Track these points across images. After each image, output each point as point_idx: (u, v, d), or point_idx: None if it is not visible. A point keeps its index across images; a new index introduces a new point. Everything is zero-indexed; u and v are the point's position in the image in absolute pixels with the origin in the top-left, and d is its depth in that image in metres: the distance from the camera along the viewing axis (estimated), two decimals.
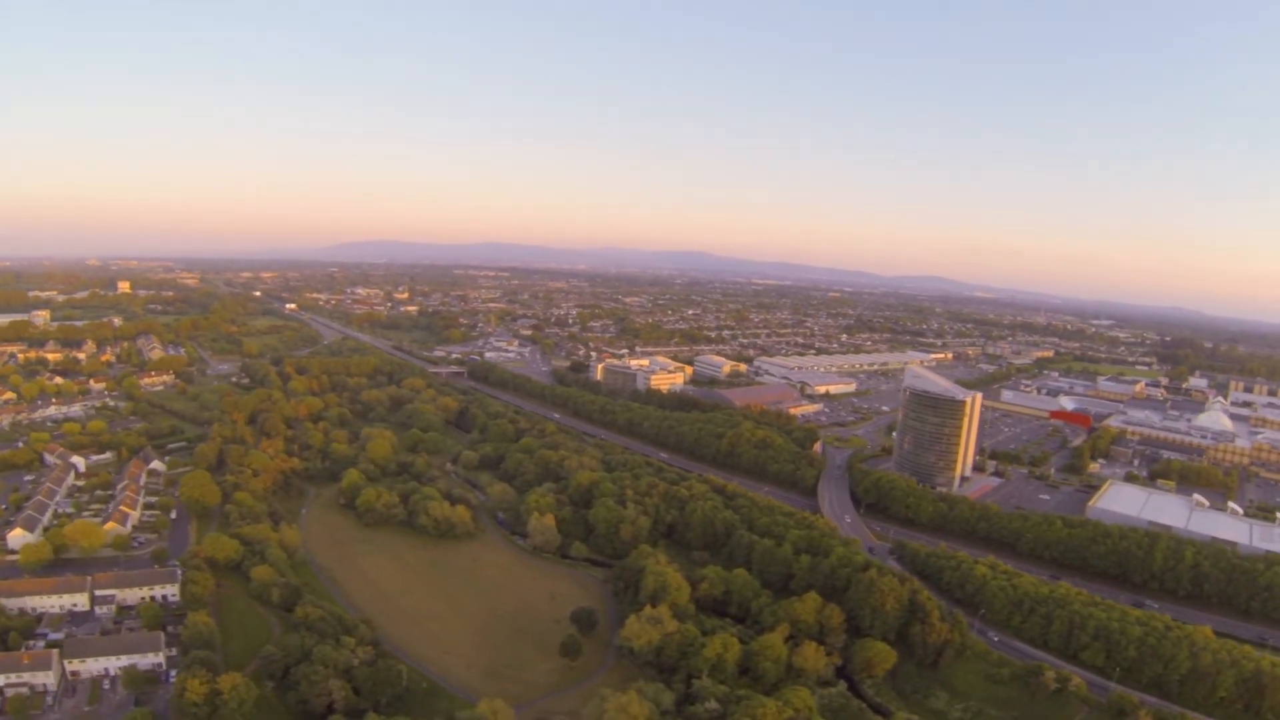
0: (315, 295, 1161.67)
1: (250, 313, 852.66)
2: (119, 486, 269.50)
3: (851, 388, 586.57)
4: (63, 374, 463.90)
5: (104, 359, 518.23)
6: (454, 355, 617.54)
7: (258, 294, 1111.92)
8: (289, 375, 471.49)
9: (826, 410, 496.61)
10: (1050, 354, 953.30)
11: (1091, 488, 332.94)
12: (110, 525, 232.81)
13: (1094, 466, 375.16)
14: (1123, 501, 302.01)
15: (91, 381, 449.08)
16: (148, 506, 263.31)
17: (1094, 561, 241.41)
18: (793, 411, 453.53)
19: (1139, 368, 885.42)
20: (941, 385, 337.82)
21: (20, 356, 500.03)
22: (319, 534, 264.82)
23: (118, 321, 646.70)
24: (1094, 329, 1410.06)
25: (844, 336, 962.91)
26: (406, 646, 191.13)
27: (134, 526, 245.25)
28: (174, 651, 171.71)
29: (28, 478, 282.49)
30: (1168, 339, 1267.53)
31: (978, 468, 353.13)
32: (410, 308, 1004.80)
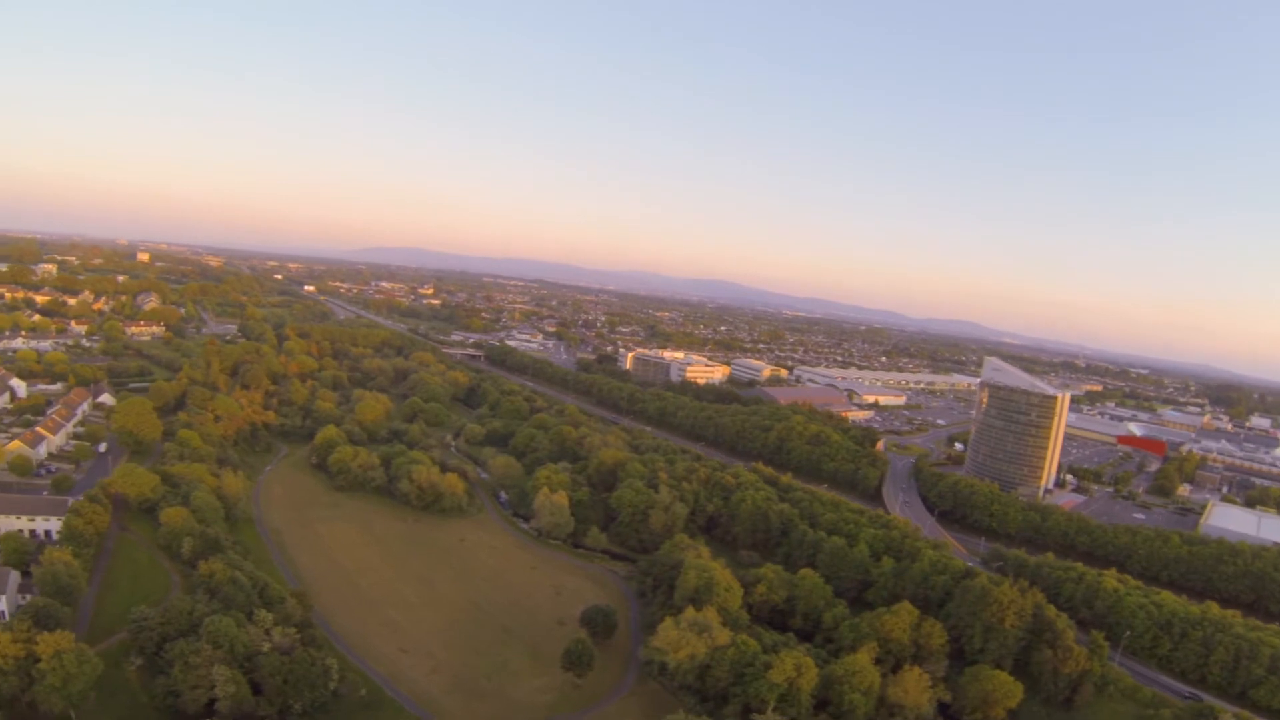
0: (337, 284, 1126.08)
1: (266, 290, 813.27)
2: (50, 411, 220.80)
3: (901, 400, 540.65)
4: (47, 314, 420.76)
5: (96, 306, 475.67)
6: (471, 340, 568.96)
7: (279, 277, 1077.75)
8: (287, 338, 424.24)
9: (878, 419, 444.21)
10: (1099, 388, 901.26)
11: (1187, 510, 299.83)
12: (14, 445, 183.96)
13: (1183, 490, 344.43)
14: (1235, 522, 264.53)
15: (74, 323, 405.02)
16: (77, 437, 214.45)
17: (1220, 584, 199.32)
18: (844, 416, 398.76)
19: (1190, 408, 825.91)
20: (1027, 380, 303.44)
21: (7, 296, 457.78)
22: (278, 493, 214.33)
23: (122, 279, 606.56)
24: (1135, 373, 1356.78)
25: (883, 358, 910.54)
26: (352, 637, 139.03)
27: (49, 454, 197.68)
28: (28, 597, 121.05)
29: None
30: (1214, 385, 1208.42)
31: (1057, 484, 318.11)
32: (433, 301, 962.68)
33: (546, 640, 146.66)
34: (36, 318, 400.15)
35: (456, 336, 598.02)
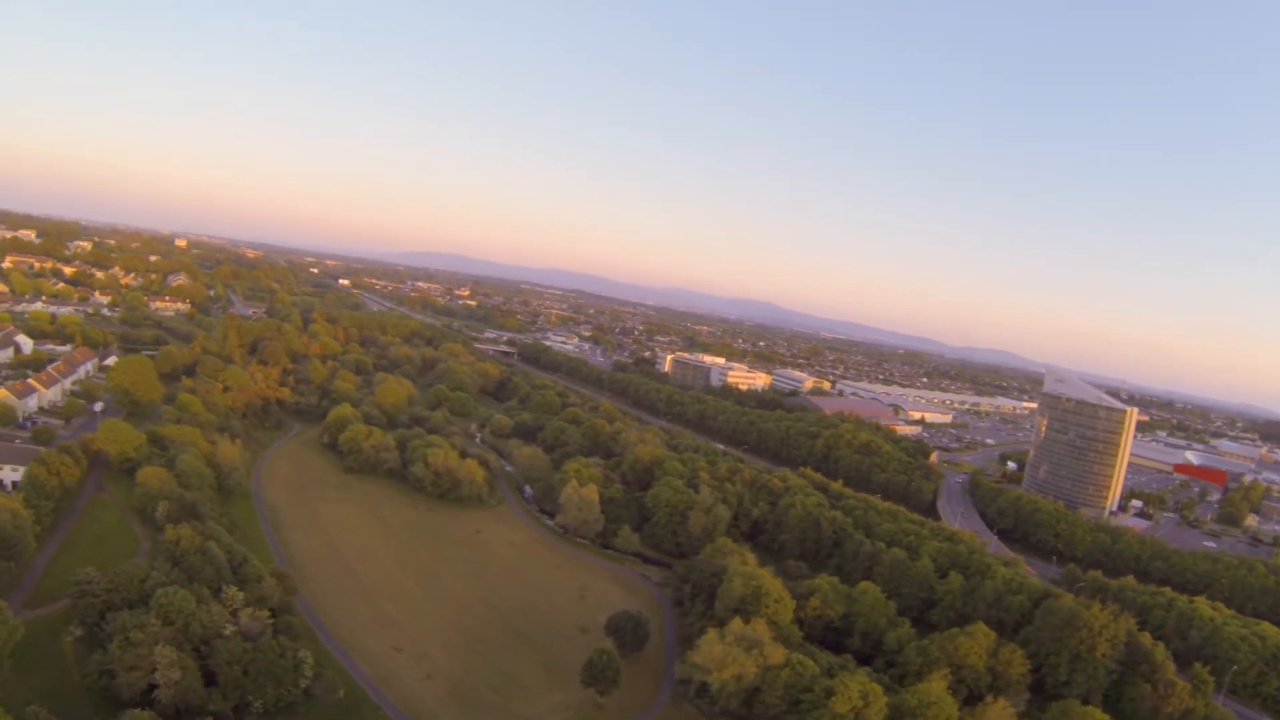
0: (373, 281, 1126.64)
1: (299, 280, 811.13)
2: (50, 366, 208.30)
3: (948, 418, 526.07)
4: (73, 284, 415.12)
5: (124, 281, 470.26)
6: (505, 338, 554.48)
7: (314, 270, 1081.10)
8: (313, 321, 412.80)
9: (925, 436, 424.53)
10: (1146, 418, 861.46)
11: (1258, 540, 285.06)
12: (1, 394, 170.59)
13: (1251, 520, 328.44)
14: None
15: (98, 294, 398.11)
16: (74, 394, 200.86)
17: None
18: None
19: (1244, 441, 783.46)
20: (1093, 393, 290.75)
21: (36, 265, 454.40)
22: (282, 469, 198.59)
23: (154, 258, 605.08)
24: (1179, 406, 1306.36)
25: (924, 379, 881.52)
26: (338, 629, 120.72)
27: (40, 408, 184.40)
28: None
29: None
30: (1261, 422, 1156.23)
31: (1119, 507, 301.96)
32: (469, 302, 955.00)
33: (565, 649, 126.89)
34: (61, 285, 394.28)
35: (490, 334, 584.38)
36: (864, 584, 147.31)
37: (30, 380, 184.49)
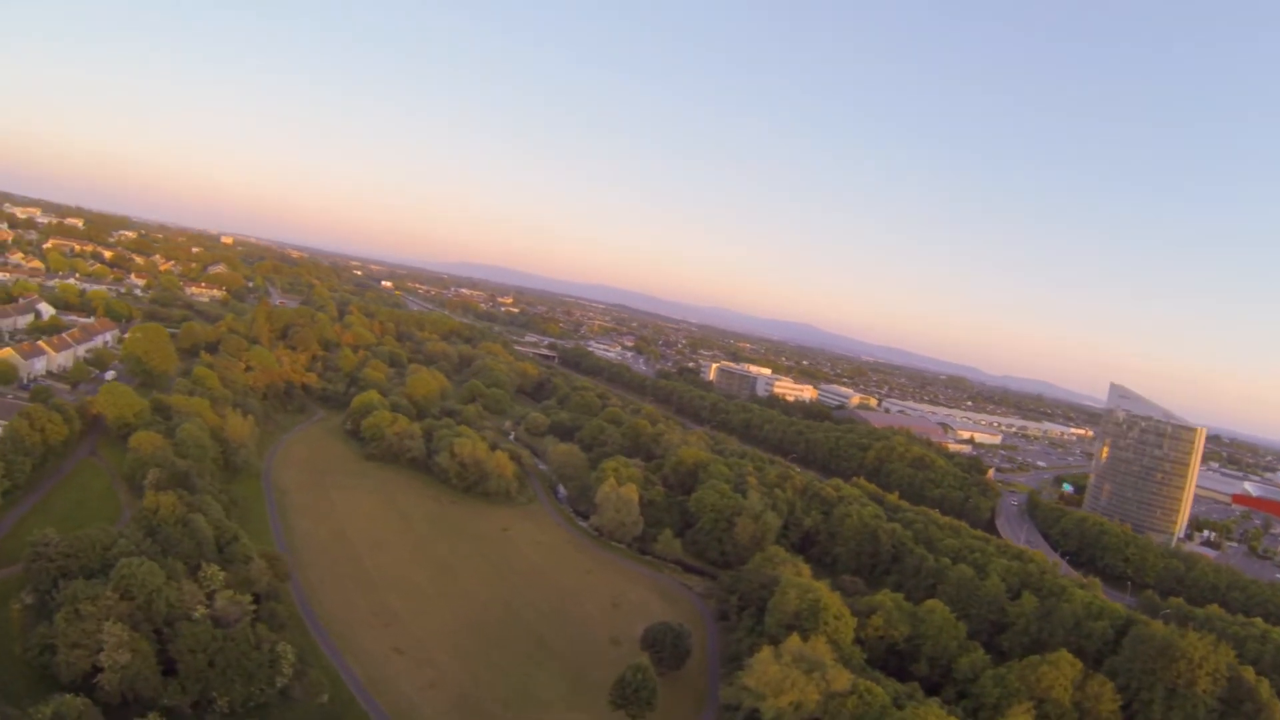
0: (416, 285, 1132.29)
1: (341, 279, 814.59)
2: (65, 333, 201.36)
3: (997, 439, 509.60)
4: (111, 266, 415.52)
5: (163, 267, 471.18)
6: (546, 343, 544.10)
7: (358, 273, 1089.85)
8: (349, 313, 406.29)
9: (976, 455, 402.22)
10: None
11: None
12: (4, 352, 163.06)
13: None
14: None
15: (134, 276, 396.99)
16: (88, 362, 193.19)
17: None
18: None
19: None
20: (1160, 409, 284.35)
21: (76, 248, 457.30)
22: (298, 453, 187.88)
23: (196, 250, 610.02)
24: (1227, 439, 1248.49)
25: (968, 402, 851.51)
26: (334, 623, 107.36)
27: (48, 371, 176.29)
28: None
29: None
30: None
31: (1185, 534, 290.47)
32: (512, 309, 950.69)
33: (594, 662, 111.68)
34: (98, 266, 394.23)
35: (531, 338, 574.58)
36: (931, 602, 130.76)
37: (40, 342, 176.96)
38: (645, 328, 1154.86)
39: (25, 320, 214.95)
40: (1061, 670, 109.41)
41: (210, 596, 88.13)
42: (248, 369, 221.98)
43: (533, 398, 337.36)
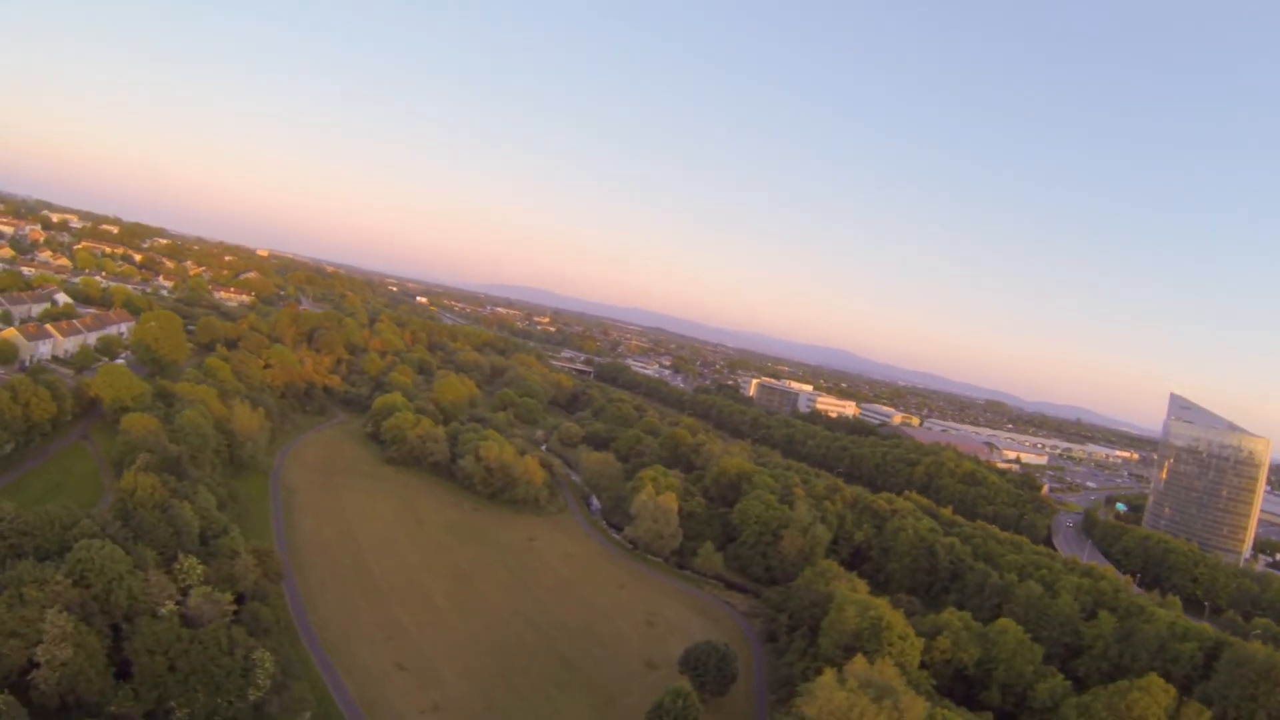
0: (451, 302, 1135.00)
1: (376, 293, 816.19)
2: (78, 320, 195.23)
3: (1043, 460, 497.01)
4: (140, 268, 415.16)
5: (193, 271, 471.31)
6: (582, 358, 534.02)
7: (393, 288, 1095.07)
8: (379, 319, 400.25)
9: (1028, 472, 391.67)
10: None
11: None
12: (8, 333, 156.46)
13: None
14: None
15: (162, 278, 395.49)
16: (97, 350, 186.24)
17: None
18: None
19: None
20: (1225, 422, 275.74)
21: (107, 250, 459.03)
22: (313, 453, 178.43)
23: (229, 258, 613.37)
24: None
25: (1009, 425, 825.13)
26: (330, 633, 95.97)
27: (54, 355, 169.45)
28: None
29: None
30: None
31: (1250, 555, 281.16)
32: (548, 328, 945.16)
33: (626, 687, 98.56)
34: (126, 267, 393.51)
35: (567, 354, 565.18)
36: (1002, 622, 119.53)
37: (47, 325, 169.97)
38: (682, 349, 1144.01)
39: (40, 309, 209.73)
40: (1154, 697, 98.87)
41: (184, 592, 77.01)
42: (266, 366, 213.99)
43: (566, 410, 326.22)
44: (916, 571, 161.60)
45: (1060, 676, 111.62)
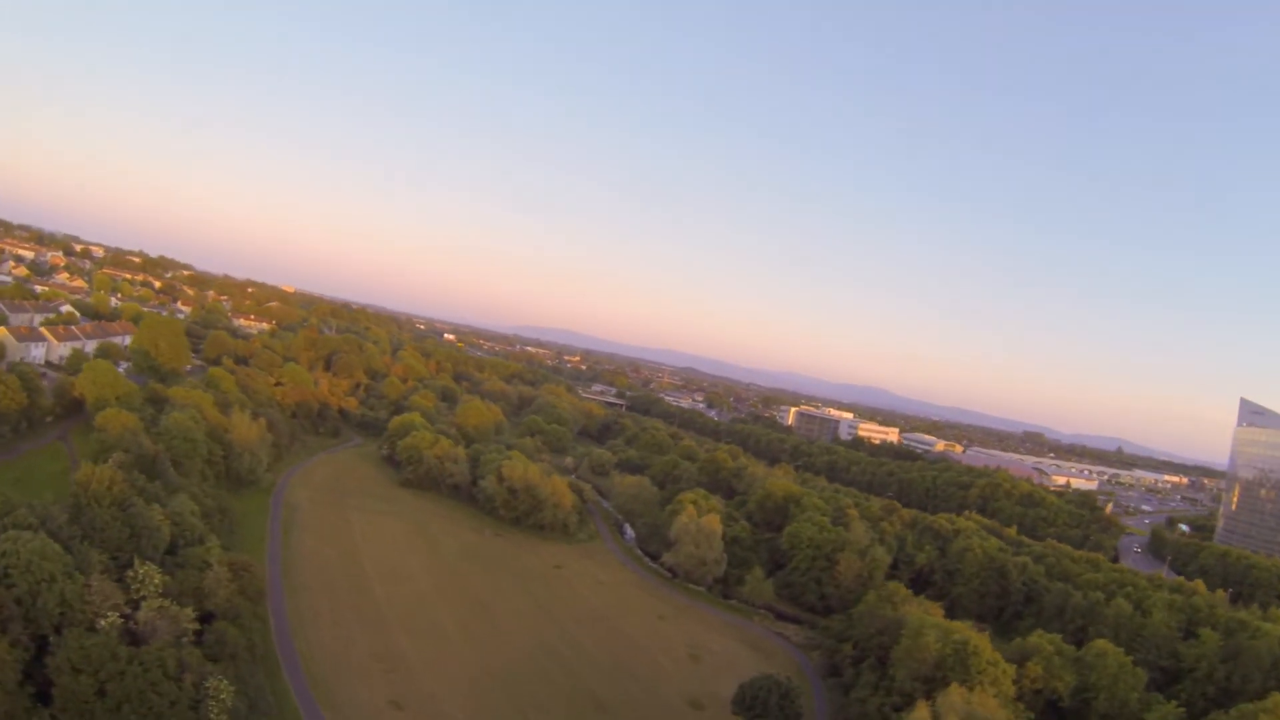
0: (481, 341, 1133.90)
1: (402, 328, 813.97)
2: (76, 327, 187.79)
3: (1093, 485, 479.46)
4: (158, 293, 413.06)
5: (213, 297, 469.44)
6: (614, 391, 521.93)
7: (421, 326, 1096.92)
8: (403, 348, 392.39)
9: (1083, 495, 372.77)
10: None
11: None
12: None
13: None
14: None
15: (180, 304, 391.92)
16: (97, 356, 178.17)
17: None
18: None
19: None
20: None
21: (127, 276, 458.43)
22: (322, 473, 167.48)
23: (251, 289, 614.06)
24: None
25: (1050, 454, 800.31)
26: (318, 663, 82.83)
27: (47, 360, 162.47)
28: None
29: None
30: None
31: None
32: (579, 366, 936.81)
33: None
34: (144, 290, 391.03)
35: (598, 387, 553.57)
36: (1100, 643, 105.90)
37: (41, 328, 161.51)
38: (716, 386, 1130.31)
39: (42, 319, 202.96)
40: None
41: (135, 604, 64.63)
42: (277, 384, 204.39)
43: (597, 440, 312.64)
44: (986, 595, 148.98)
45: (1171, 703, 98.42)
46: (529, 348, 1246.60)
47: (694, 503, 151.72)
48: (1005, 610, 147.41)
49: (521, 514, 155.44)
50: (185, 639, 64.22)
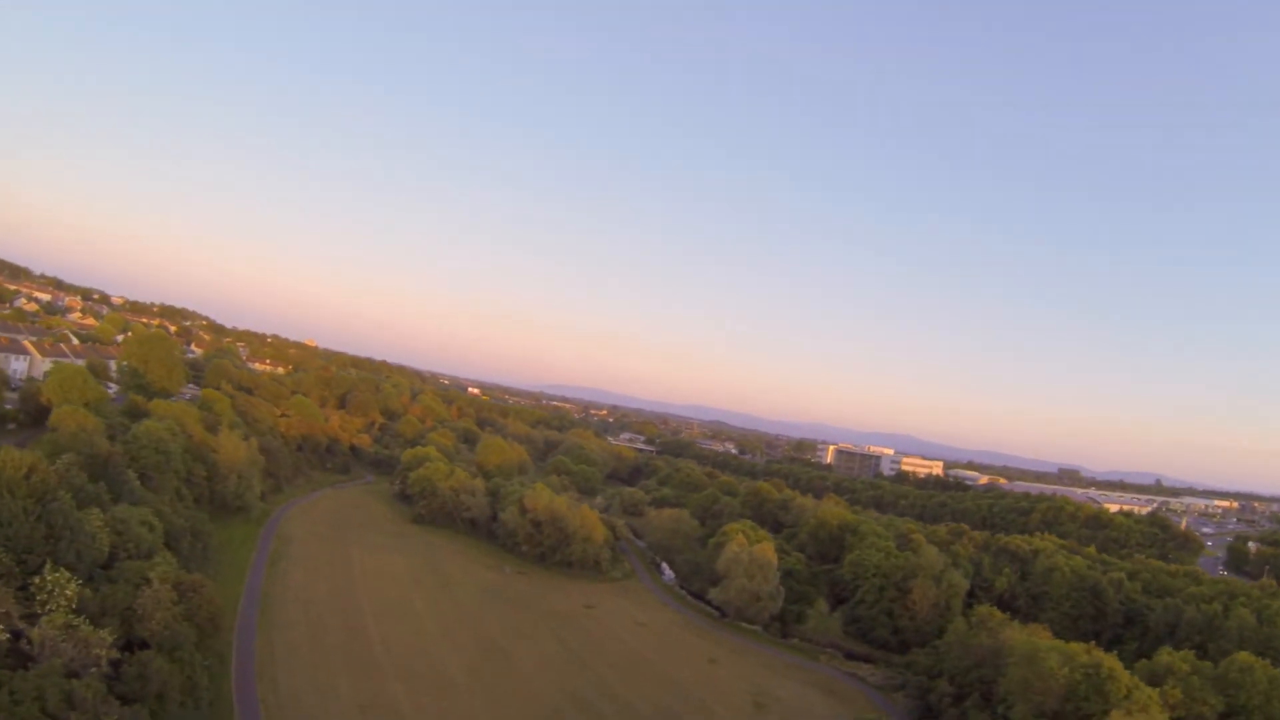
0: (507, 395, 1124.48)
1: (425, 382, 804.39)
2: (65, 345, 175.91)
3: (1146, 511, 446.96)
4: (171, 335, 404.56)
5: (226, 340, 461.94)
6: (643, 438, 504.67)
7: (445, 381, 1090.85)
8: (422, 393, 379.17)
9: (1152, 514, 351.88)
10: None
11: None
12: None
13: None
14: None
15: (194, 345, 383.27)
16: None
17: None
18: None
19: None
20: None
21: (143, 320, 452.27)
22: (327, 507, 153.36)
23: (270, 338, 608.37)
24: None
25: (1092, 488, 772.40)
26: (287, 712, 65.49)
27: (30, 376, 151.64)
28: None
29: None
30: None
31: None
32: (606, 419, 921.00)
33: None
34: (156, 331, 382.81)
35: (626, 436, 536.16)
36: (1243, 656, 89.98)
37: (25, 342, 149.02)
38: (745, 437, 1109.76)
39: (36, 340, 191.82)
40: None
41: (31, 619, 48.88)
42: (283, 416, 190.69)
43: (628, 483, 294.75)
44: (1080, 618, 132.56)
45: None
46: (555, 402, 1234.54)
47: (742, 532, 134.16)
48: (1102, 633, 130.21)
49: (547, 549, 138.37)
50: (95, 668, 48.19)
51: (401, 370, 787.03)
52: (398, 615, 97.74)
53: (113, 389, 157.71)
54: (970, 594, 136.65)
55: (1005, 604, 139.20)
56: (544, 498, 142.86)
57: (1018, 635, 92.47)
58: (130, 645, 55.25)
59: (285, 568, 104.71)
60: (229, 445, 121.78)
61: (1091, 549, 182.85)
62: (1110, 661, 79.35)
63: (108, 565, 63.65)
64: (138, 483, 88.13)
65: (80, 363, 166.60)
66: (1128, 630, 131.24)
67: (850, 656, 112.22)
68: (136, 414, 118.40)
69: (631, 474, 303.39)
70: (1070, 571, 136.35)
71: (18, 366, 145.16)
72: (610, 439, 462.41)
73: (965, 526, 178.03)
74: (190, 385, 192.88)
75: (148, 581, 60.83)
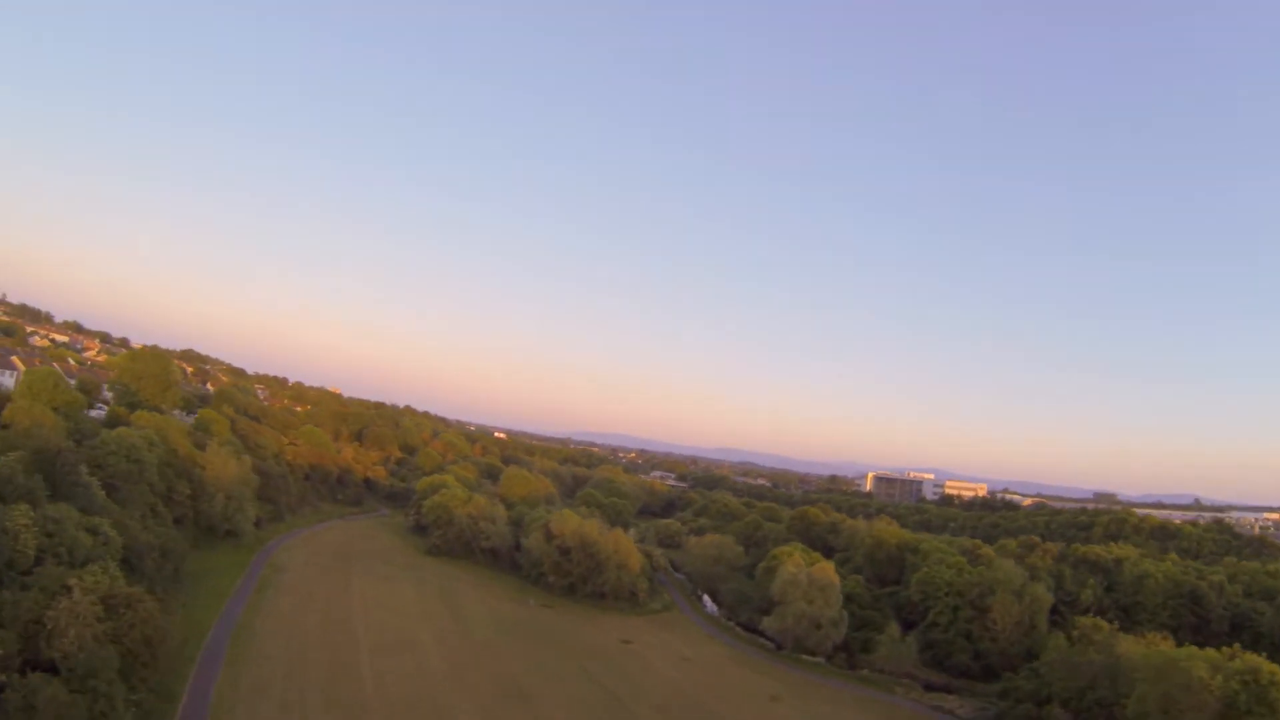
0: (533, 441, 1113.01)
1: (451, 428, 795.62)
2: (57, 363, 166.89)
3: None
4: (189, 375, 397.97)
5: (244, 382, 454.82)
6: (674, 475, 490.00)
7: (472, 428, 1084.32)
8: (444, 433, 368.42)
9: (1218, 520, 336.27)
10: None
11: None
12: None
13: None
14: None
15: (209, 384, 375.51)
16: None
17: None
18: None
19: None
20: None
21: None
22: (333, 539, 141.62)
23: (292, 383, 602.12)
24: None
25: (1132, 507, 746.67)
26: None
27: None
28: None
29: None
30: None
31: None
32: (635, 461, 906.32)
33: None
34: (154, 349, 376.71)
35: (657, 474, 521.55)
36: None
37: (14, 358, 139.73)
38: (777, 474, 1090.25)
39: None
40: None
41: None
42: (291, 444, 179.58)
43: (661, 517, 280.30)
44: (1179, 628, 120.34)
45: None
46: (583, 446, 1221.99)
47: (791, 556, 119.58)
48: (1206, 643, 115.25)
49: (577, 579, 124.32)
50: None
51: (426, 415, 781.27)
52: (398, 649, 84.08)
53: (103, 410, 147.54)
54: (1053, 609, 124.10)
55: (1092, 614, 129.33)
56: (572, 522, 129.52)
57: (1135, 647, 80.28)
58: (34, 666, 42.62)
59: (272, 595, 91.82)
60: (217, 462, 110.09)
61: (1173, 556, 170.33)
62: (1271, 668, 68.49)
63: (29, 571, 51.28)
64: (99, 491, 76.29)
65: (72, 383, 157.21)
66: (1235, 637, 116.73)
67: (929, 687, 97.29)
68: (116, 424, 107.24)
69: (665, 508, 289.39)
70: (1164, 578, 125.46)
71: (3, 379, 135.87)
72: (640, 476, 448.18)
73: (1037, 539, 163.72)
74: (191, 414, 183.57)
75: (67, 591, 48.24)
